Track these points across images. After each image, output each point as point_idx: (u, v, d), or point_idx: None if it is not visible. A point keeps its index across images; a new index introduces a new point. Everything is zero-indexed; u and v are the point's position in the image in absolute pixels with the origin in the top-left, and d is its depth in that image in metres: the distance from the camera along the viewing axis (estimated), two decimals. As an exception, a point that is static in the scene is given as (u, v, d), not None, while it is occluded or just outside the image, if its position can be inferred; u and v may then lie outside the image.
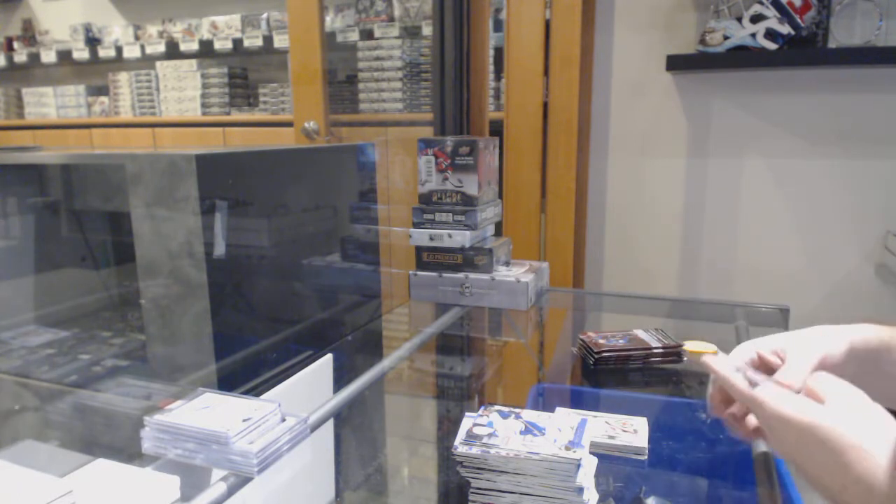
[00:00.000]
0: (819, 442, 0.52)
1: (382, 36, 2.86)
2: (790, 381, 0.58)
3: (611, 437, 0.87)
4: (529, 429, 0.67)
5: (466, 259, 1.28)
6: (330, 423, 0.91)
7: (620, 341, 1.16)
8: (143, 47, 3.49)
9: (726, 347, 1.18)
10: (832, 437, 0.51)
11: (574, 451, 0.63)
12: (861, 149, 2.10)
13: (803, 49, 2.06)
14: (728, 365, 0.61)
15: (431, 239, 1.29)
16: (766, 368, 0.65)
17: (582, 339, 1.19)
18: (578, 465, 0.62)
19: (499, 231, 1.43)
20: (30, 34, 3.93)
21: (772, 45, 2.02)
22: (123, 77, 3.54)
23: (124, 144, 3.48)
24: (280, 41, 3.16)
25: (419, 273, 1.31)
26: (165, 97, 3.44)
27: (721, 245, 2.26)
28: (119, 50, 3.55)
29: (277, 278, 1.18)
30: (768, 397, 0.56)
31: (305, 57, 2.40)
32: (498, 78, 2.56)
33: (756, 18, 2.03)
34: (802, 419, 0.53)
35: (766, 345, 0.66)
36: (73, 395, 1.10)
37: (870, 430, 0.51)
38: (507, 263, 1.36)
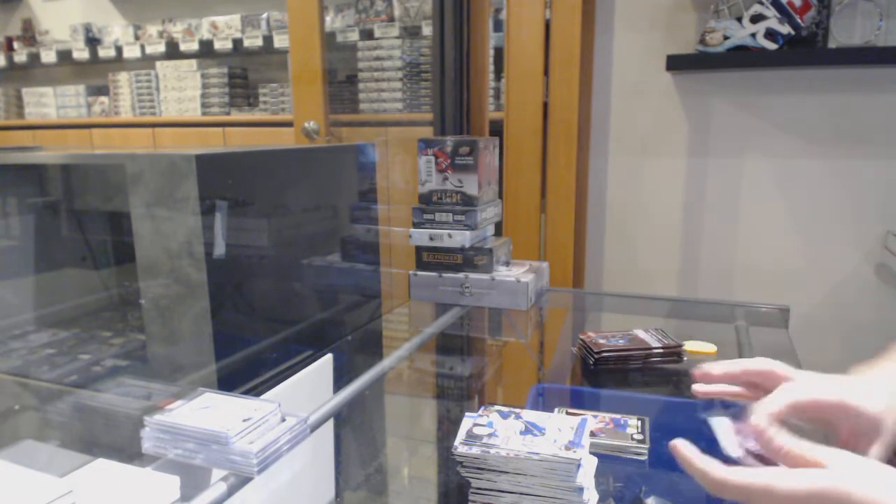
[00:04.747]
0: None
1: (382, 36, 2.86)
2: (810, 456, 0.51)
3: (610, 437, 0.87)
4: (529, 429, 0.67)
5: (466, 259, 1.28)
6: (330, 423, 0.91)
7: (620, 341, 1.16)
8: (143, 47, 3.49)
9: (726, 347, 1.18)
10: (852, 499, 0.47)
11: (574, 451, 0.63)
12: (861, 149, 2.10)
13: (803, 49, 2.06)
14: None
15: (431, 239, 1.29)
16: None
17: (582, 339, 1.19)
18: (578, 465, 0.62)
19: (499, 231, 1.43)
20: (30, 34, 3.93)
21: (772, 45, 2.02)
22: (123, 77, 3.54)
23: (124, 144, 3.48)
24: (280, 41, 3.16)
25: (419, 273, 1.31)
26: (165, 97, 3.44)
27: (721, 245, 2.26)
28: (119, 50, 3.55)
29: (277, 278, 1.18)
30: (773, 479, 0.50)
31: (305, 57, 2.40)
32: (498, 78, 2.56)
33: (756, 18, 2.03)
34: (813, 488, 0.48)
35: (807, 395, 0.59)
36: (73, 395, 1.10)
37: (888, 484, 0.47)
38: (507, 263, 1.36)
